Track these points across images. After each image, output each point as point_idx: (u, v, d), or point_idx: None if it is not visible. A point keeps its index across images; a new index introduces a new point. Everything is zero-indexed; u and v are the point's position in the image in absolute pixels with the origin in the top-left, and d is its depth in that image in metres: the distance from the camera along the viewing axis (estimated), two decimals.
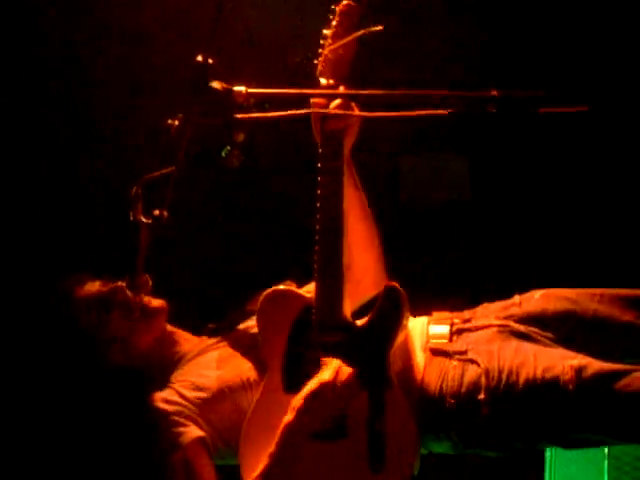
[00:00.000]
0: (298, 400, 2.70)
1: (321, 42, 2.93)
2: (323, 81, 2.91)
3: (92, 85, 4.07)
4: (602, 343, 2.86)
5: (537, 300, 3.01)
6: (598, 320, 2.90)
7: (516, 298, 3.06)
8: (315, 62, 2.92)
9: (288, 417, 2.69)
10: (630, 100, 2.53)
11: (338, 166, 2.87)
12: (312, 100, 2.82)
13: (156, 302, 3.16)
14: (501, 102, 2.46)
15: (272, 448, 2.68)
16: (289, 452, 2.68)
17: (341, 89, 2.89)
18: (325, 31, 2.93)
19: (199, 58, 2.64)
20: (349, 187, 2.91)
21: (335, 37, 2.91)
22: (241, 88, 2.65)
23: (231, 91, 2.64)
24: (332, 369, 2.72)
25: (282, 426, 2.69)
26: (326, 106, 2.84)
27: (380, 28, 2.81)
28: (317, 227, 2.85)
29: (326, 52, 2.91)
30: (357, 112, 2.84)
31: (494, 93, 2.48)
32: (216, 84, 2.64)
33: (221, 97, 2.64)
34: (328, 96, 2.86)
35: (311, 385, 2.71)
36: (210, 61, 2.64)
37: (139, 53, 3.97)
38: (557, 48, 4.07)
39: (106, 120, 4.07)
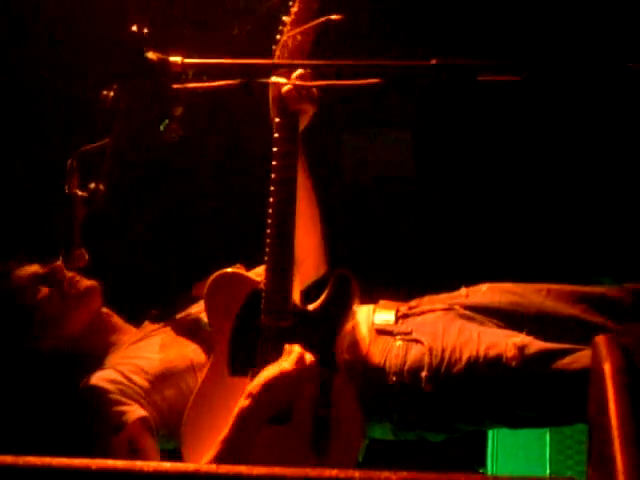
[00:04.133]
0: (255, 386, 2.69)
1: (280, 28, 2.90)
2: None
3: (24, 56, 4.00)
4: (549, 334, 2.86)
5: (484, 293, 3.04)
6: (543, 313, 2.92)
7: (463, 290, 3.08)
8: (273, 48, 2.90)
9: (244, 402, 2.68)
10: (570, 69, 2.52)
11: (293, 151, 2.86)
12: (273, 79, 2.80)
13: (87, 282, 3.12)
14: (441, 70, 2.44)
15: (225, 433, 2.67)
16: (243, 437, 2.68)
17: (277, 59, 2.86)
18: (284, 18, 2.90)
19: (134, 28, 2.59)
20: (299, 169, 2.89)
21: (294, 24, 2.88)
22: (177, 58, 2.60)
23: (167, 61, 2.60)
24: (293, 358, 2.70)
25: (237, 411, 2.68)
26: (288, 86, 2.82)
27: (339, 17, 2.78)
28: (270, 211, 2.83)
29: (284, 38, 2.88)
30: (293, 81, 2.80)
31: (434, 62, 2.46)
32: (151, 54, 2.59)
33: (157, 68, 2.59)
34: (287, 77, 2.82)
35: (271, 372, 2.70)
36: (145, 31, 2.59)
37: (72, 23, 3.90)
38: (494, 16, 4.07)
39: (39, 91, 4.00)
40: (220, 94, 2.56)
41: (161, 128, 2.68)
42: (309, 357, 2.72)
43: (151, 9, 2.52)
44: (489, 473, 3.82)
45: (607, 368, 1.88)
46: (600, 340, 1.94)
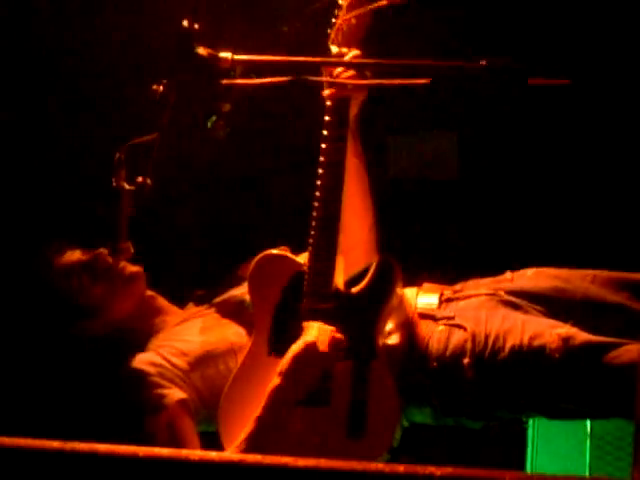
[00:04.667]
0: (284, 364, 2.70)
1: (335, 12, 2.88)
2: (334, 49, 2.87)
3: (76, 51, 4.02)
4: (593, 322, 2.84)
5: (529, 277, 3.00)
6: (588, 299, 2.89)
7: (508, 274, 3.05)
8: (328, 31, 2.88)
9: (275, 381, 2.70)
10: (617, 73, 2.50)
11: (343, 135, 2.85)
12: (324, 68, 2.81)
13: (132, 268, 3.14)
14: (490, 72, 2.43)
15: (258, 412, 2.69)
16: (275, 416, 2.69)
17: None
18: (340, 1, 2.88)
19: (185, 23, 2.61)
20: (350, 154, 2.88)
21: (349, 7, 2.86)
22: (227, 54, 2.61)
23: (216, 57, 2.60)
24: (314, 330, 2.71)
25: (269, 390, 2.69)
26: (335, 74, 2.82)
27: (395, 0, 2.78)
28: (317, 193, 2.83)
29: (339, 22, 2.87)
30: (347, 80, 2.80)
31: (483, 63, 2.45)
32: (202, 50, 2.60)
33: (206, 63, 2.60)
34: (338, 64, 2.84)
35: (295, 347, 2.71)
36: (196, 26, 2.60)
37: (123, 18, 3.92)
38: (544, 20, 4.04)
39: (89, 85, 4.02)
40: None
41: (208, 124, 2.69)
42: (328, 328, 2.72)
43: (202, 5, 2.51)
44: None
45: None
46: None
